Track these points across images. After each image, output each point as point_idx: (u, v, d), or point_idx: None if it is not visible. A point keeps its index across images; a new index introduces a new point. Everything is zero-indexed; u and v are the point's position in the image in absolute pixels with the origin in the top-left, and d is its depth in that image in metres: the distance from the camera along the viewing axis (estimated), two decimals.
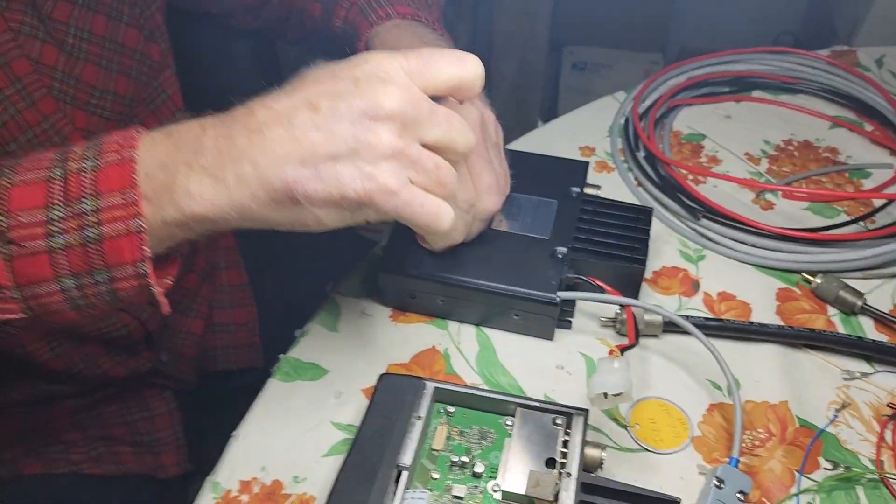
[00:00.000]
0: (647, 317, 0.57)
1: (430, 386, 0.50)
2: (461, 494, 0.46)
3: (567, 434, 0.48)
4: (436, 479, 0.47)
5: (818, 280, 0.60)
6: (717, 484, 0.46)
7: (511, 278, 0.55)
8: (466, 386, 0.51)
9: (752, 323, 0.57)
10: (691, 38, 1.69)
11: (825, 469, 0.50)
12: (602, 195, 0.62)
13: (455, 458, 0.48)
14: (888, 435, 0.52)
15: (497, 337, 0.58)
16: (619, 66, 1.76)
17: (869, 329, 0.59)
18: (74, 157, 0.40)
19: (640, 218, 0.59)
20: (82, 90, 0.58)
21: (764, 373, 0.55)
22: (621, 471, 0.49)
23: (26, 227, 0.39)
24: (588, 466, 0.46)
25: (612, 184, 0.71)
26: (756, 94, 0.82)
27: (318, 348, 0.57)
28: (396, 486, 0.45)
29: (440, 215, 0.43)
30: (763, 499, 0.48)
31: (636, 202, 0.69)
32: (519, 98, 1.65)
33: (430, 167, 0.42)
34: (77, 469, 0.69)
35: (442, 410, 0.50)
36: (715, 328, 0.57)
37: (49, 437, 0.69)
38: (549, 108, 1.76)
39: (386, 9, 0.64)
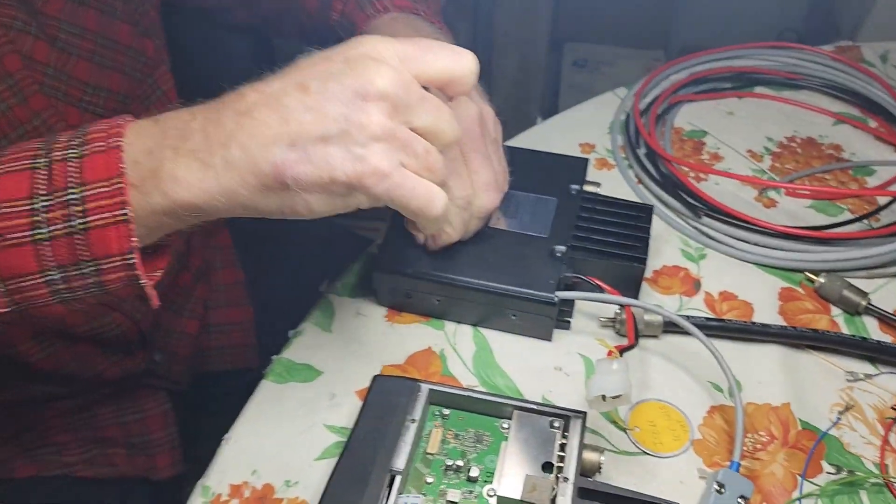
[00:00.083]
0: (646, 317, 0.56)
1: (425, 388, 0.49)
2: (456, 499, 0.45)
3: (564, 437, 0.47)
4: (430, 483, 0.46)
5: (821, 279, 0.60)
6: (718, 488, 0.45)
7: (509, 277, 0.54)
8: (461, 388, 0.50)
9: (753, 323, 0.56)
10: (693, 35, 1.68)
11: (828, 473, 0.49)
12: (602, 193, 0.61)
13: (450, 462, 0.47)
14: (892, 438, 0.51)
15: (494, 337, 0.57)
16: (620, 63, 1.75)
17: (873, 329, 0.58)
18: (59, 145, 0.39)
19: (640, 216, 0.59)
20: (75, 87, 0.57)
21: (766, 374, 0.54)
22: (620, 475, 0.49)
23: (9, 217, 0.38)
24: (586, 470, 0.46)
25: (613, 181, 0.70)
26: (759, 90, 0.81)
27: (311, 349, 0.56)
28: (389, 491, 0.44)
29: (432, 199, 0.42)
30: (764, 503, 0.47)
31: (637, 200, 0.68)
32: (519, 95, 1.65)
33: (420, 151, 0.41)
34: (70, 471, 0.68)
35: (437, 413, 0.50)
36: (716, 328, 0.56)
37: (41, 439, 0.68)
38: (549, 105, 1.75)
39: (384, 1, 0.63)
